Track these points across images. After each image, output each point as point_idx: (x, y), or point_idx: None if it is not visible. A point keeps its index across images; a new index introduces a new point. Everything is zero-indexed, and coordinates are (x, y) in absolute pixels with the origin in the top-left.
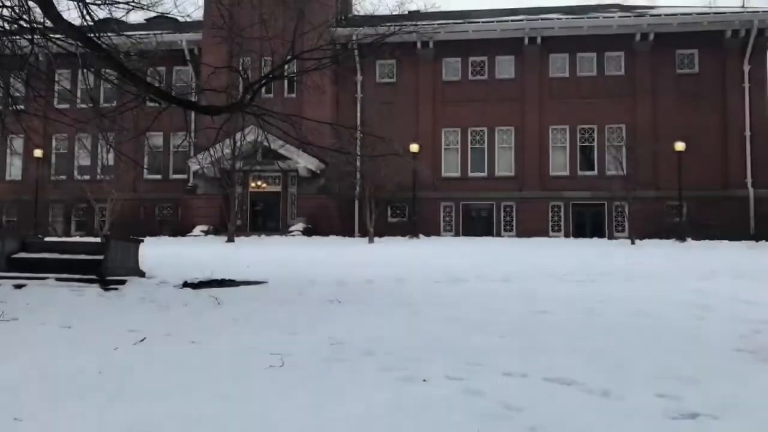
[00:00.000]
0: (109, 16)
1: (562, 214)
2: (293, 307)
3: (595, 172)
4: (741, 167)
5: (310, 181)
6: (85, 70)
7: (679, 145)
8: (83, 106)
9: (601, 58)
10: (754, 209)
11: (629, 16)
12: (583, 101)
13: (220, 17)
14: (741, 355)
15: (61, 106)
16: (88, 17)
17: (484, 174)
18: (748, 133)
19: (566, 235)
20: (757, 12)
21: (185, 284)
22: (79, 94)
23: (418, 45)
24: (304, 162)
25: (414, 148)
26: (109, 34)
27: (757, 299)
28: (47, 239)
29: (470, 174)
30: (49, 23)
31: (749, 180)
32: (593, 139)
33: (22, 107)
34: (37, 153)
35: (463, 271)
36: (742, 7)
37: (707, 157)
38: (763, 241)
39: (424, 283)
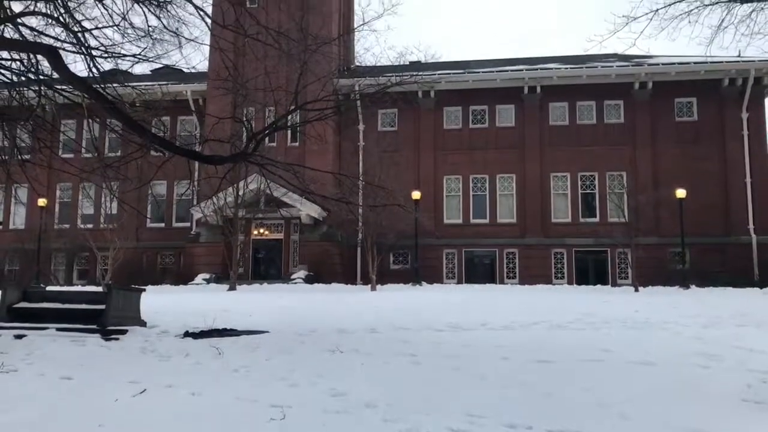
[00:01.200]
0: (115, 67)
1: (565, 261)
2: (294, 357)
3: (597, 219)
4: (743, 214)
5: (312, 228)
6: (90, 121)
7: (680, 192)
8: (88, 155)
9: (601, 106)
10: (757, 255)
11: (627, 66)
12: (583, 149)
13: (224, 69)
14: (748, 406)
15: (65, 156)
16: (94, 69)
17: (486, 221)
18: (748, 179)
19: (569, 282)
20: (753, 61)
21: (186, 334)
22: (84, 143)
23: (420, 94)
24: (307, 210)
25: (416, 195)
26: (114, 85)
27: (763, 348)
28: (48, 288)
29: (472, 221)
30: (55, 75)
31: (751, 226)
32: (594, 186)
33: (27, 157)
34: (41, 202)
35: (466, 319)
36: (738, 56)
37: (709, 204)
38: None
39: (426, 331)
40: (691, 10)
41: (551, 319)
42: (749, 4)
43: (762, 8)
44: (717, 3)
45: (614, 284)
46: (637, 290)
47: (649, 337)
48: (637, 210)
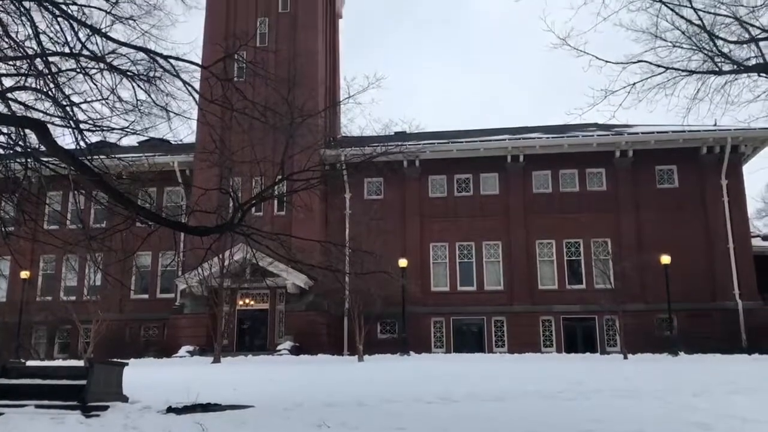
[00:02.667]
0: (102, 139)
1: (553, 328)
2: None
3: (584, 286)
4: (727, 279)
5: (298, 297)
6: (76, 193)
7: (665, 258)
8: (73, 226)
9: (583, 174)
10: (744, 321)
11: (608, 135)
12: (567, 216)
13: (211, 142)
14: None
15: (50, 227)
16: (82, 142)
17: (474, 288)
18: (731, 245)
19: (558, 350)
20: (729, 130)
21: (169, 409)
22: (69, 215)
23: (405, 163)
24: (293, 279)
25: (402, 263)
26: (101, 157)
27: (755, 416)
28: (28, 363)
29: (459, 288)
30: (42, 148)
31: (737, 292)
32: (580, 253)
33: (11, 229)
34: (24, 275)
35: (455, 390)
36: (715, 125)
37: (693, 270)
38: (756, 353)
39: (415, 403)
40: (667, 82)
41: (541, 389)
42: (723, 77)
43: (735, 79)
44: (692, 74)
45: (603, 351)
46: (626, 357)
47: (640, 406)
48: (622, 276)
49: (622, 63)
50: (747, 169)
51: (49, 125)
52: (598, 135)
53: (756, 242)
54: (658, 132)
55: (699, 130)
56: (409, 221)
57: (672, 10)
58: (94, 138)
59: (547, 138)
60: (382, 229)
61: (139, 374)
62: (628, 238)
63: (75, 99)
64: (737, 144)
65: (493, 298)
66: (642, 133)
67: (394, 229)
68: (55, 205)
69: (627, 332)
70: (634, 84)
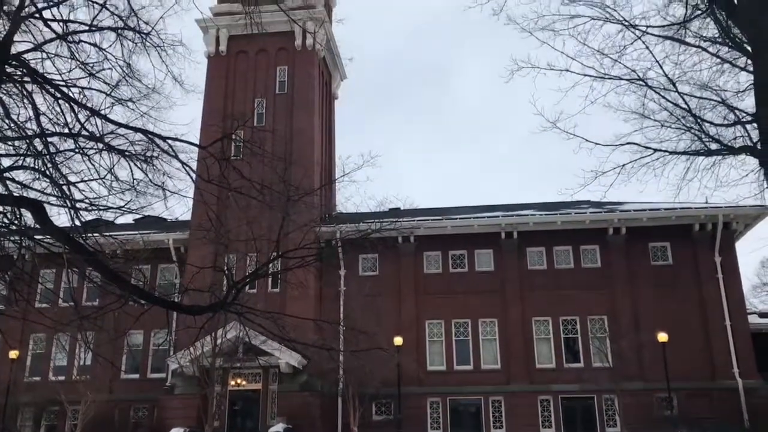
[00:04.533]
0: (98, 217)
1: (551, 408)
2: None
3: (581, 364)
4: (726, 357)
5: (291, 377)
6: (69, 271)
7: (662, 336)
8: (64, 305)
9: (577, 251)
10: (745, 400)
11: (600, 212)
12: (563, 293)
13: (207, 219)
14: None
15: (41, 305)
16: (77, 221)
17: (470, 367)
18: (728, 322)
19: (558, 431)
20: (720, 207)
21: None
22: (61, 293)
23: (400, 239)
24: (286, 358)
25: (398, 341)
26: (95, 235)
27: None
28: None
29: (456, 367)
30: (36, 226)
31: (736, 370)
32: (576, 331)
33: (2, 308)
34: (13, 354)
35: None
36: (706, 202)
37: (691, 347)
38: None
39: None
40: (655, 162)
41: None
42: (711, 157)
43: (723, 159)
44: (680, 154)
45: None
46: None
47: None
48: (620, 354)
49: (611, 145)
50: (740, 245)
51: (45, 204)
52: (590, 212)
53: (753, 319)
54: (650, 209)
55: (690, 208)
56: (404, 298)
57: (658, 94)
58: (89, 216)
59: (540, 215)
60: (377, 305)
61: None
62: (624, 315)
63: (72, 178)
64: (729, 221)
65: (490, 377)
66: (634, 210)
67: (389, 305)
68: (47, 284)
69: (627, 412)
70: (623, 165)
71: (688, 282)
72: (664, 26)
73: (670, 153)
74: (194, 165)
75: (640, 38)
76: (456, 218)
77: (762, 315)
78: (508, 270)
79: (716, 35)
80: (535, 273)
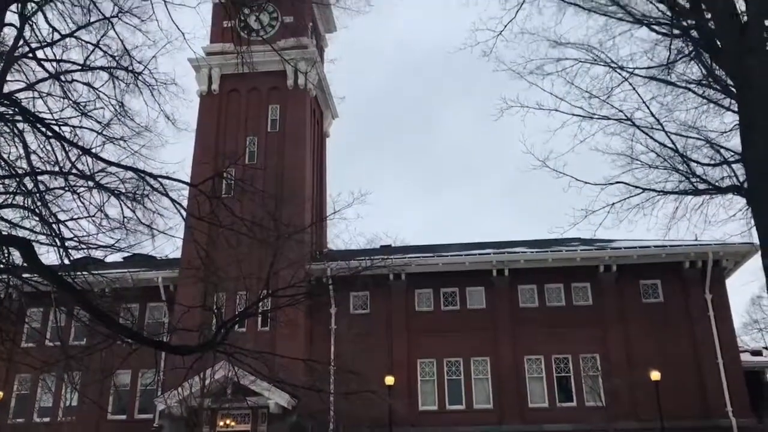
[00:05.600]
0: (87, 255)
1: None
2: None
3: (574, 404)
4: (719, 395)
5: (281, 417)
6: (57, 311)
7: (655, 374)
8: (50, 344)
9: (569, 288)
10: None
11: (591, 249)
12: (555, 330)
13: (197, 258)
14: None
15: (27, 345)
16: (66, 259)
17: (463, 407)
18: (720, 360)
19: None
20: (710, 245)
21: None
22: (48, 333)
23: (391, 277)
24: (276, 398)
25: (389, 380)
26: (84, 273)
27: None
28: None
29: (448, 407)
30: (24, 264)
31: (729, 409)
32: (569, 369)
33: None
34: None
35: None
36: (696, 240)
37: (684, 386)
38: None
39: None
40: (645, 202)
41: None
42: (700, 196)
43: (711, 198)
44: (668, 194)
45: None
46: None
47: None
48: (613, 393)
49: (600, 184)
50: (730, 283)
51: (33, 243)
52: (581, 250)
53: (745, 357)
54: (640, 247)
55: (680, 245)
56: (396, 336)
57: (645, 134)
58: (78, 254)
59: (531, 252)
60: (368, 344)
61: None
62: (616, 353)
63: (62, 216)
64: (719, 258)
65: (483, 417)
66: (624, 248)
67: (380, 344)
68: (34, 323)
69: None
70: (613, 204)
71: (680, 319)
72: (650, 68)
73: (659, 192)
74: (185, 203)
75: (626, 80)
76: (447, 255)
77: (754, 353)
78: (499, 307)
79: (701, 77)
80: (526, 311)
